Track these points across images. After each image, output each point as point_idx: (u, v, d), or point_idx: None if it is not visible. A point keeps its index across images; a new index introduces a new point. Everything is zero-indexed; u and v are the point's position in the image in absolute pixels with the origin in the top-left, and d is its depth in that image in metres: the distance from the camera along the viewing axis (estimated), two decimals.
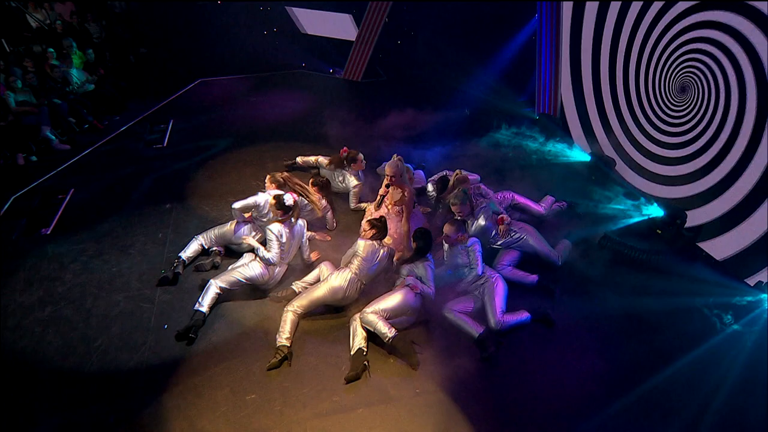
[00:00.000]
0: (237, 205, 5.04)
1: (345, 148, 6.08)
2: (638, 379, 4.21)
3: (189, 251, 5.11)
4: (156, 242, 5.47)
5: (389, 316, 4.36)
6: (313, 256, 5.21)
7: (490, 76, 10.02)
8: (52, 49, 8.52)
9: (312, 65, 11.34)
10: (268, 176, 5.28)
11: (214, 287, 4.57)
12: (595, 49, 6.97)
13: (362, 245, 4.67)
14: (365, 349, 4.20)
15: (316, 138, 7.88)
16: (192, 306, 4.54)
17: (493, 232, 5.28)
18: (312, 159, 6.74)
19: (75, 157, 7.26)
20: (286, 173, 5.37)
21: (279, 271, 4.90)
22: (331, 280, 4.58)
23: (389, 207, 5.37)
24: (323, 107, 9.02)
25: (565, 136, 8.19)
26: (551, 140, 8.11)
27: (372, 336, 4.32)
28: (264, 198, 5.08)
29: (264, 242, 4.82)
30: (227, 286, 4.62)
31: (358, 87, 10.59)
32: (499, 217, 5.26)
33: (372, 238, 4.71)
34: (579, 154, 7.83)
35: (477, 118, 8.90)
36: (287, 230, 4.78)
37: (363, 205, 6.14)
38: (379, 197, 5.38)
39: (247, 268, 4.71)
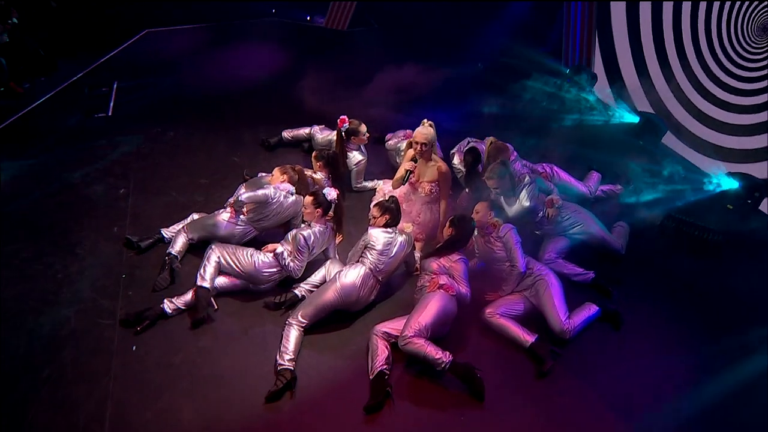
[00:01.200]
0: (245, 197, 4.93)
1: (344, 117, 5.86)
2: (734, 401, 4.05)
3: (177, 246, 4.93)
4: (110, 238, 5.30)
5: (432, 334, 4.11)
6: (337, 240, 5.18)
7: (506, 22, 9.74)
8: None
9: (284, 11, 11.01)
10: (277, 168, 5.23)
11: (214, 255, 4.57)
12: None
13: (375, 235, 4.54)
14: (388, 372, 4.03)
15: (296, 103, 7.71)
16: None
17: (539, 216, 5.10)
18: (304, 131, 6.57)
19: None
20: (299, 166, 5.34)
21: (282, 275, 4.76)
22: (340, 277, 4.45)
23: (423, 186, 5.18)
24: (301, 64, 8.81)
25: (604, 92, 8.05)
26: (586, 97, 7.94)
27: (397, 352, 4.10)
28: (274, 192, 4.99)
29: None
30: (220, 261, 4.57)
31: (344, 38, 10.38)
32: (548, 198, 5.09)
33: (386, 225, 4.61)
34: (625, 114, 7.73)
35: (493, 72, 8.74)
36: (320, 235, 4.74)
37: (369, 184, 6.05)
38: (403, 171, 5.14)
39: (253, 256, 4.62)
